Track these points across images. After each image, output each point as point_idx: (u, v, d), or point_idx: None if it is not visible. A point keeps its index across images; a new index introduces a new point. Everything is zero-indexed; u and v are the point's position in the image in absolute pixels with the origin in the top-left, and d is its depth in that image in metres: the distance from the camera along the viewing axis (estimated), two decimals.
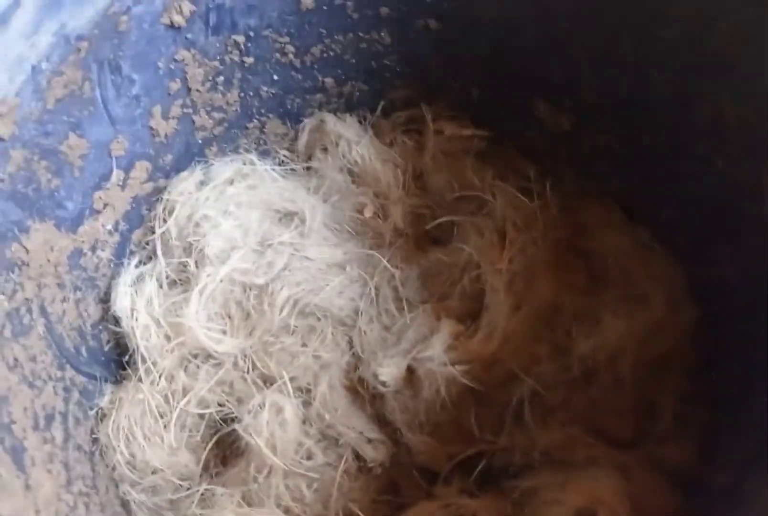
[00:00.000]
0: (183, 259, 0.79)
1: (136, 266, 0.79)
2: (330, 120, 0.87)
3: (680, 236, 0.74)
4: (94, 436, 0.73)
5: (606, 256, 0.77)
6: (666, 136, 0.70)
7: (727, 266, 0.68)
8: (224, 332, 0.78)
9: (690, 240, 0.73)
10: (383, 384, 0.72)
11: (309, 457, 0.73)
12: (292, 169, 0.89)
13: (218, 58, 0.77)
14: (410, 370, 0.73)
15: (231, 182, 0.83)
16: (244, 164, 0.85)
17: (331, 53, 0.82)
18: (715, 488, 0.65)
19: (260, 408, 0.72)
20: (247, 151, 0.88)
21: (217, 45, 0.76)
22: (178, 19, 0.71)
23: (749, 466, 0.59)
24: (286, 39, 0.79)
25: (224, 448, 0.77)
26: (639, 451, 0.68)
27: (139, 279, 0.79)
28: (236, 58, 0.78)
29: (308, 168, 0.89)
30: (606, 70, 0.72)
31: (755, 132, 0.59)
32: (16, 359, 0.63)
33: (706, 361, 0.70)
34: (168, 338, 0.76)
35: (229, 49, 0.77)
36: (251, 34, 0.77)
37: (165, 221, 0.80)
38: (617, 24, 0.67)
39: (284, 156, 0.90)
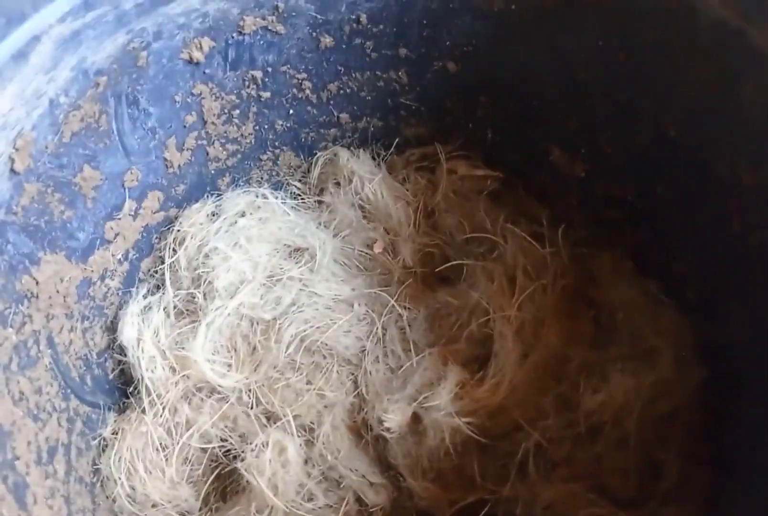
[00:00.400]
0: (191, 291, 0.79)
1: (144, 296, 0.79)
2: (344, 155, 0.87)
3: (690, 292, 0.73)
4: (95, 467, 0.73)
5: (614, 307, 0.77)
6: (681, 192, 0.70)
7: (737, 326, 0.67)
8: (229, 366, 0.78)
9: (700, 297, 0.73)
10: (388, 430, 0.72)
11: (310, 499, 0.72)
12: (304, 203, 0.89)
13: (235, 92, 0.77)
14: (415, 418, 0.72)
15: (242, 215, 0.83)
16: (257, 197, 0.85)
17: (348, 90, 0.82)
18: None
19: (263, 447, 0.71)
20: (260, 182, 0.88)
21: (235, 79, 0.76)
22: (197, 55, 0.71)
23: None
24: (304, 75, 0.79)
25: (225, 483, 0.76)
26: (642, 510, 0.67)
27: (147, 309, 0.79)
28: (253, 93, 0.78)
29: (320, 202, 0.89)
30: (623, 121, 0.72)
31: None
32: (21, 392, 0.63)
33: (712, 422, 0.70)
34: (173, 370, 0.76)
35: (247, 83, 0.77)
36: (269, 69, 0.77)
37: (175, 252, 0.80)
38: (635, 80, 0.67)
39: (296, 188, 0.89)
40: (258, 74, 0.76)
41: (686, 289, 0.74)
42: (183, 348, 0.76)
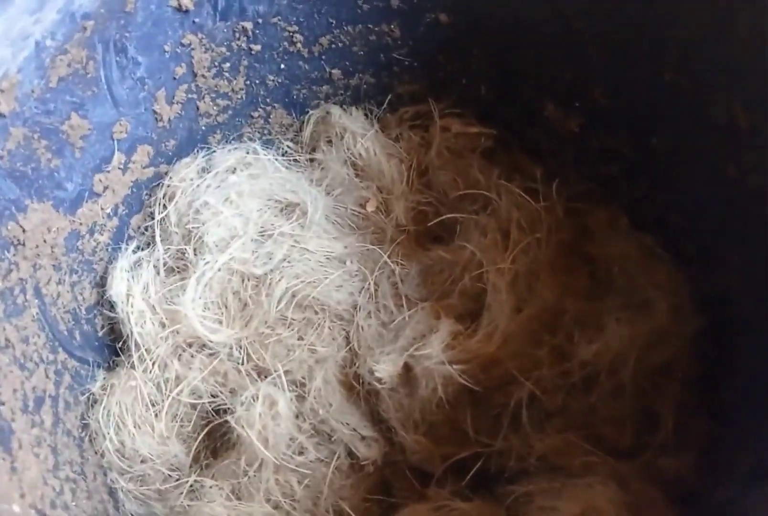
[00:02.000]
0: (181, 246, 0.78)
1: (134, 252, 0.78)
2: (336, 112, 0.86)
3: (687, 244, 0.73)
4: (84, 421, 0.72)
5: (610, 261, 0.76)
6: (677, 140, 0.69)
7: (733, 276, 0.66)
8: (220, 322, 0.77)
9: (696, 248, 0.72)
10: (379, 381, 0.71)
11: (301, 453, 0.71)
12: (296, 161, 0.88)
13: (225, 44, 0.76)
14: (407, 368, 0.71)
15: (233, 171, 0.82)
16: (248, 153, 0.84)
17: (340, 44, 0.81)
18: (714, 502, 0.63)
19: (253, 400, 0.71)
20: (251, 140, 0.87)
21: (225, 30, 0.75)
22: (185, 2, 0.70)
23: (750, 481, 0.58)
24: (295, 27, 0.78)
25: (215, 440, 0.76)
26: (637, 460, 0.66)
27: (137, 265, 0.78)
28: (243, 45, 0.77)
29: (312, 160, 0.88)
30: (618, 70, 0.71)
31: None
32: (7, 340, 0.62)
33: (708, 372, 0.69)
34: (163, 325, 0.75)
35: (237, 35, 0.76)
36: (259, 21, 0.76)
37: (165, 207, 0.79)
38: (631, 24, 0.66)
39: (288, 147, 0.89)
40: (248, 25, 0.75)
41: (683, 241, 0.73)
42: (173, 303, 0.75)
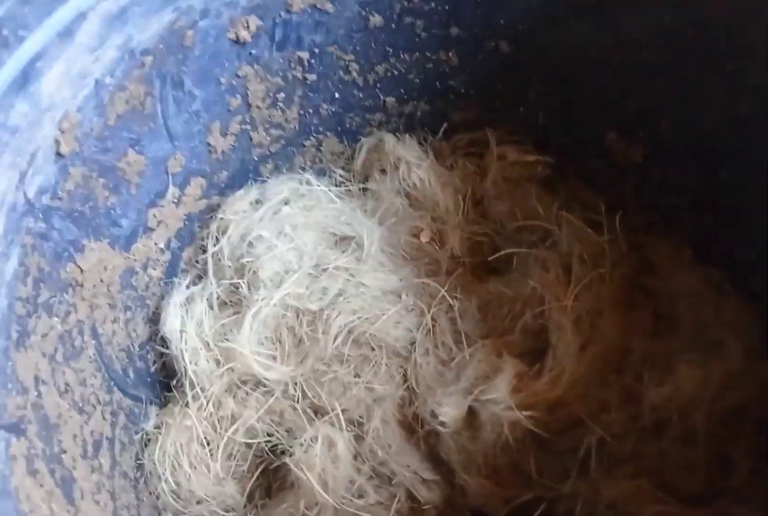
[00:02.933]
0: (235, 281, 0.77)
1: (187, 287, 0.76)
2: (389, 140, 0.84)
3: (756, 281, 0.70)
4: (138, 462, 0.71)
5: (675, 296, 0.73)
6: (746, 175, 0.67)
7: None
8: (275, 358, 0.75)
9: (767, 285, 0.69)
10: (442, 424, 0.69)
11: (361, 496, 0.70)
12: (348, 190, 0.86)
13: (281, 74, 0.75)
14: (471, 411, 0.69)
15: (286, 202, 0.80)
16: (301, 184, 0.82)
17: (396, 72, 0.79)
18: None
19: (312, 441, 0.69)
20: (303, 169, 0.85)
21: (281, 61, 0.73)
22: (244, 35, 0.68)
23: None
24: (351, 56, 0.76)
25: (269, 479, 0.74)
26: (711, 508, 0.64)
27: (189, 300, 0.76)
28: (299, 75, 0.76)
29: (365, 189, 0.86)
30: (688, 103, 0.68)
31: None
32: (67, 384, 0.61)
33: None
34: (218, 363, 0.74)
35: (293, 65, 0.74)
36: (316, 50, 0.74)
37: (218, 240, 0.78)
38: (708, 57, 0.64)
39: (340, 175, 0.87)
40: (305, 55, 0.74)
41: (752, 277, 0.71)
42: (227, 339, 0.74)
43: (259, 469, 0.74)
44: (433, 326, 0.76)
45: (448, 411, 0.68)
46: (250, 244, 0.77)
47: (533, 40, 0.74)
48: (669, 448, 0.66)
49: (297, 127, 0.81)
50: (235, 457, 0.73)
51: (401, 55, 0.78)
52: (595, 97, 0.76)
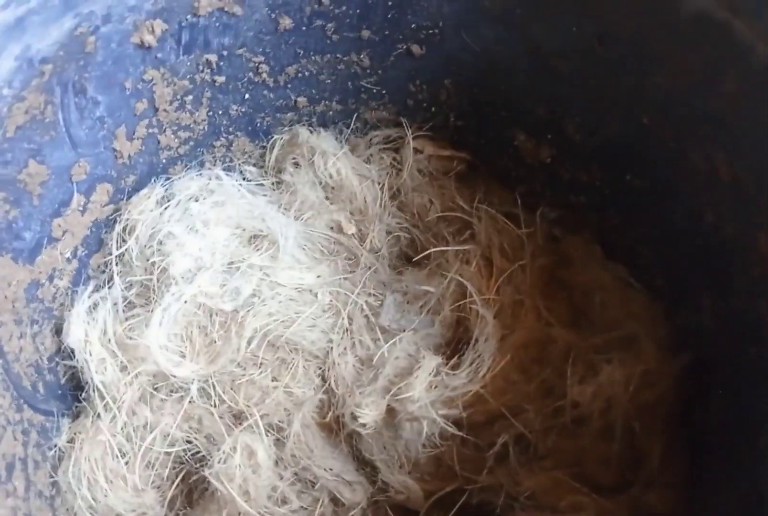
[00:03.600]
0: (144, 277, 0.74)
1: (90, 295, 0.74)
2: (303, 133, 0.82)
3: (658, 278, 0.73)
4: (53, 479, 0.69)
5: (588, 289, 0.76)
6: (652, 180, 0.69)
7: (707, 316, 0.67)
8: (184, 356, 0.73)
9: (668, 283, 0.72)
10: (363, 426, 0.69)
11: (284, 502, 0.70)
12: (261, 185, 0.84)
13: (188, 77, 0.72)
14: (390, 411, 0.70)
15: (196, 199, 0.78)
16: (210, 179, 0.80)
17: (307, 73, 0.78)
18: None
19: (231, 451, 0.69)
20: (212, 169, 0.83)
21: (188, 64, 0.71)
22: (149, 39, 0.66)
23: None
24: (261, 58, 0.75)
25: (191, 486, 0.74)
26: (623, 497, 0.67)
27: (93, 307, 0.74)
28: (207, 77, 0.74)
29: (278, 183, 0.84)
30: (594, 109, 0.71)
31: (752, 194, 0.59)
32: None
33: (687, 408, 0.70)
34: (125, 370, 0.72)
35: (201, 68, 0.72)
36: (224, 53, 0.72)
37: (125, 242, 0.75)
38: (613, 68, 0.66)
39: (251, 173, 0.85)
40: (213, 58, 0.72)
41: (654, 275, 0.74)
42: (133, 338, 0.72)
43: (180, 476, 0.73)
44: (350, 325, 0.76)
45: (368, 412, 0.69)
46: (160, 242, 0.75)
47: (444, 45, 0.74)
48: (588, 443, 0.70)
49: (206, 129, 0.79)
50: (153, 467, 0.72)
51: (312, 57, 0.76)
52: (505, 100, 0.77)
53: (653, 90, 0.64)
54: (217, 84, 0.75)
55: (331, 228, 0.82)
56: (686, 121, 0.63)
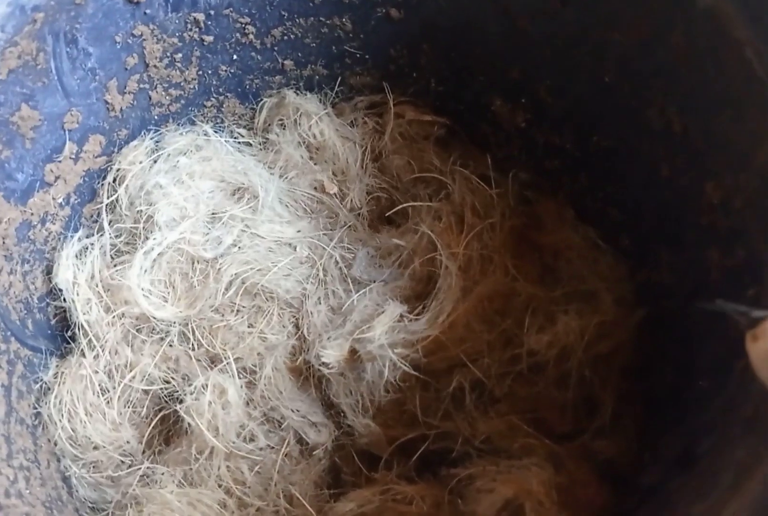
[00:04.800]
0: (131, 225, 0.78)
1: (80, 239, 0.78)
2: (290, 94, 0.86)
3: (624, 237, 0.76)
4: (36, 410, 0.73)
5: (558, 250, 0.79)
6: (615, 139, 0.72)
7: (665, 271, 0.70)
8: (166, 300, 0.77)
9: (633, 242, 0.75)
10: (326, 365, 0.73)
11: (251, 440, 0.73)
12: (248, 144, 0.88)
13: (177, 34, 0.76)
14: (353, 352, 0.73)
15: (184, 153, 0.82)
16: (198, 136, 0.84)
17: (292, 36, 0.82)
18: (642, 486, 0.67)
19: (203, 389, 0.72)
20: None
21: (177, 22, 0.75)
22: None
23: (674, 468, 0.62)
24: (247, 19, 0.78)
25: (168, 426, 0.77)
26: (574, 443, 0.70)
27: (84, 250, 0.78)
28: (195, 36, 0.78)
29: (265, 142, 0.88)
30: (561, 70, 0.73)
31: (700, 145, 0.61)
32: None
33: (643, 361, 0.72)
34: (108, 310, 0.76)
35: (189, 26, 0.76)
36: (211, 12, 0.76)
37: (115, 191, 0.79)
38: (573, 26, 0.68)
39: (241, 135, 0.89)
40: (200, 17, 0.76)
41: (621, 235, 0.77)
42: (117, 279, 0.76)
43: (158, 416, 0.77)
44: (324, 276, 0.80)
45: (331, 352, 0.72)
46: (148, 191, 0.79)
47: (421, 8, 0.77)
48: (543, 390, 0.72)
49: (197, 88, 0.83)
50: (132, 404, 0.76)
51: (297, 20, 0.80)
52: (481, 64, 0.80)
53: (612, 47, 0.67)
54: (205, 43, 0.79)
55: (314, 187, 0.86)
56: (641, 76, 0.66)
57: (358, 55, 0.84)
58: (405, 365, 0.71)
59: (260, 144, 0.88)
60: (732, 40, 0.55)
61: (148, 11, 0.72)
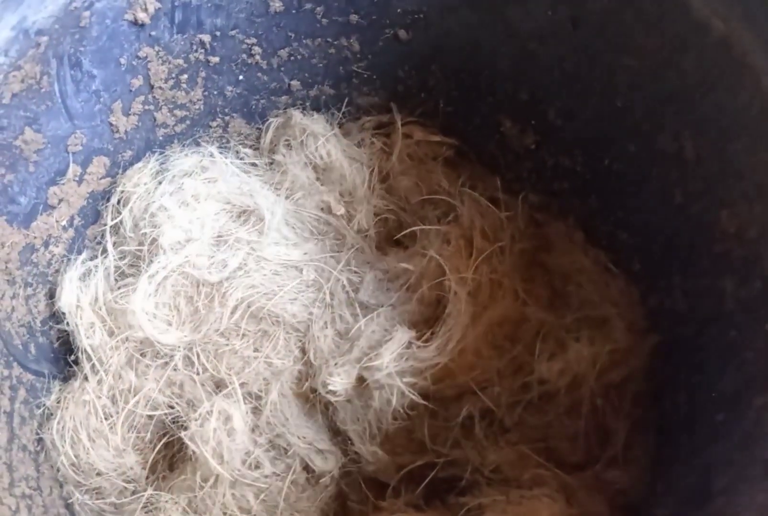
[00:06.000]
0: (135, 247, 0.78)
1: (83, 262, 0.77)
2: (296, 115, 0.85)
3: (636, 262, 0.75)
4: (38, 435, 0.72)
5: (568, 273, 0.78)
6: (627, 163, 0.71)
7: (679, 296, 0.69)
8: (170, 324, 0.76)
9: (644, 267, 0.74)
10: (333, 393, 0.72)
11: (257, 467, 0.72)
12: (254, 164, 0.87)
13: (183, 56, 0.76)
14: (361, 380, 0.72)
15: (189, 175, 0.81)
16: (203, 157, 0.83)
17: (299, 56, 0.81)
18: None
19: (208, 415, 0.71)
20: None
21: (182, 43, 0.75)
22: (142, 17, 0.69)
23: (688, 502, 0.60)
24: (253, 40, 0.78)
25: (173, 451, 0.76)
26: (586, 474, 0.68)
27: (87, 274, 0.77)
28: (201, 57, 0.77)
29: (271, 163, 0.87)
30: (571, 94, 0.73)
31: (714, 173, 0.60)
32: None
33: (655, 389, 0.71)
34: (113, 334, 0.75)
35: (195, 47, 0.76)
36: (217, 33, 0.76)
37: (119, 213, 0.79)
38: (584, 49, 0.68)
39: (246, 155, 0.88)
40: (206, 38, 0.75)
41: (633, 259, 0.75)
42: (121, 303, 0.75)
43: (162, 442, 0.76)
44: (331, 300, 0.78)
45: (338, 380, 0.71)
46: (152, 214, 0.78)
47: (429, 29, 0.77)
48: (554, 420, 0.71)
49: (202, 108, 0.82)
50: (136, 429, 0.75)
51: (303, 40, 0.79)
52: (490, 86, 0.79)
53: (623, 71, 0.66)
54: (211, 64, 0.78)
55: (321, 209, 0.85)
56: (654, 101, 0.65)
57: (365, 76, 0.83)
58: (413, 394, 0.69)
59: (266, 164, 0.87)
60: (747, 69, 0.54)
61: (153, 33, 0.72)
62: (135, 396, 0.75)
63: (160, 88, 0.76)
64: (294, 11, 0.76)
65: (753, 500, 0.49)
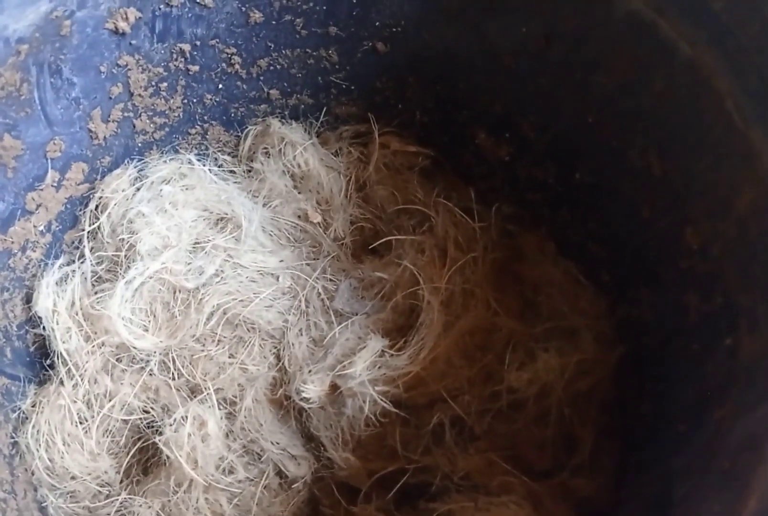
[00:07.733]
0: (113, 253, 0.78)
1: (60, 267, 0.77)
2: (275, 123, 0.86)
3: (605, 274, 0.77)
4: (13, 440, 0.72)
5: (539, 284, 0.79)
6: (597, 177, 0.73)
7: (646, 308, 0.70)
8: (147, 330, 0.77)
9: (613, 278, 0.76)
10: (307, 400, 0.73)
11: (231, 472, 0.73)
12: (232, 172, 0.88)
13: (162, 64, 0.76)
14: (334, 387, 0.73)
15: (167, 182, 0.82)
16: (182, 164, 0.84)
17: (278, 66, 0.82)
18: None
19: (183, 421, 0.72)
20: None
21: (162, 52, 0.75)
22: (122, 26, 0.70)
23: (653, 509, 0.62)
24: (233, 50, 0.79)
25: (147, 456, 0.77)
26: (553, 481, 0.70)
27: (64, 279, 0.77)
28: (181, 66, 0.78)
29: (249, 171, 0.88)
30: (545, 108, 0.74)
31: (680, 190, 0.62)
32: None
33: (622, 398, 0.73)
34: (88, 339, 0.75)
35: (174, 56, 0.76)
36: (197, 43, 0.76)
37: (97, 219, 0.79)
38: (558, 65, 0.69)
39: (226, 162, 0.89)
40: (186, 47, 0.76)
41: (602, 271, 0.77)
42: (98, 308, 0.75)
43: (137, 446, 0.77)
44: (306, 307, 0.80)
45: (312, 387, 0.72)
46: (130, 220, 0.78)
47: (407, 42, 0.78)
48: (522, 428, 0.72)
49: (182, 116, 0.83)
50: (111, 434, 0.76)
51: (283, 51, 0.80)
52: (465, 98, 0.81)
53: (595, 88, 0.68)
54: (191, 73, 0.79)
55: (299, 216, 0.86)
56: (624, 118, 0.66)
57: (344, 86, 0.84)
58: (385, 403, 0.71)
59: (245, 172, 0.88)
60: (712, 91, 0.55)
61: (133, 42, 0.72)
62: (110, 400, 0.75)
63: (140, 95, 0.77)
64: (274, 22, 0.77)
65: (710, 510, 0.50)
